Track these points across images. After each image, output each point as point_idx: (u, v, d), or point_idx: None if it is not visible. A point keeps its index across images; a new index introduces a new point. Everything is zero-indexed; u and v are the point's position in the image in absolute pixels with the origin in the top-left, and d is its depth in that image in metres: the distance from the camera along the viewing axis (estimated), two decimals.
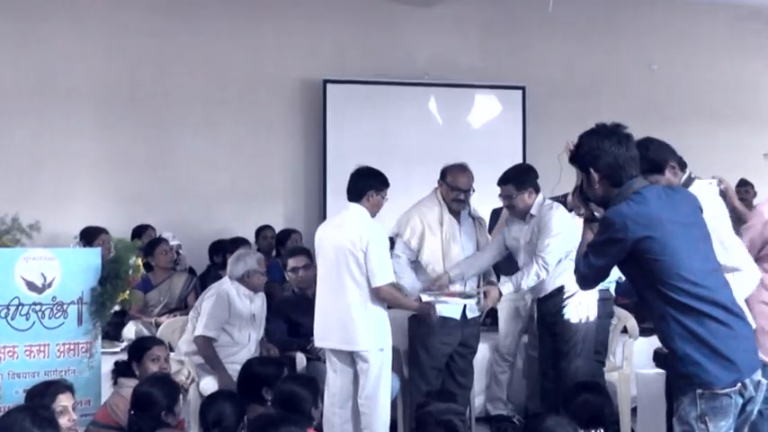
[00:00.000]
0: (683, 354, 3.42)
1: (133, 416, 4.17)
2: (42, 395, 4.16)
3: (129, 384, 4.72)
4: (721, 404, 3.40)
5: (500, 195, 6.07)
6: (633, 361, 6.72)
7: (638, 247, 3.43)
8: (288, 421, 3.40)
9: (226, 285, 6.09)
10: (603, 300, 6.33)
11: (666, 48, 9.71)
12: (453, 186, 5.87)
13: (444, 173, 5.94)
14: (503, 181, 6.03)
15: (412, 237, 5.86)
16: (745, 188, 8.03)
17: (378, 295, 5.42)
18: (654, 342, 6.65)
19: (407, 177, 8.69)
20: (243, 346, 6.04)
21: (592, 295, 5.97)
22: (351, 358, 5.48)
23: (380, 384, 5.44)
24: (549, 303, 5.99)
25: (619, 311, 6.82)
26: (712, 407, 3.39)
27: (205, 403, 4.06)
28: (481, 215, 6.25)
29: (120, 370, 4.92)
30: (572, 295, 5.93)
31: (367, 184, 5.58)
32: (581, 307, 5.96)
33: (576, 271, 3.71)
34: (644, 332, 6.89)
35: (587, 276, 3.68)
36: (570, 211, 4.01)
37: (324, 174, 8.89)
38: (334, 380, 5.53)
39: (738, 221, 4.34)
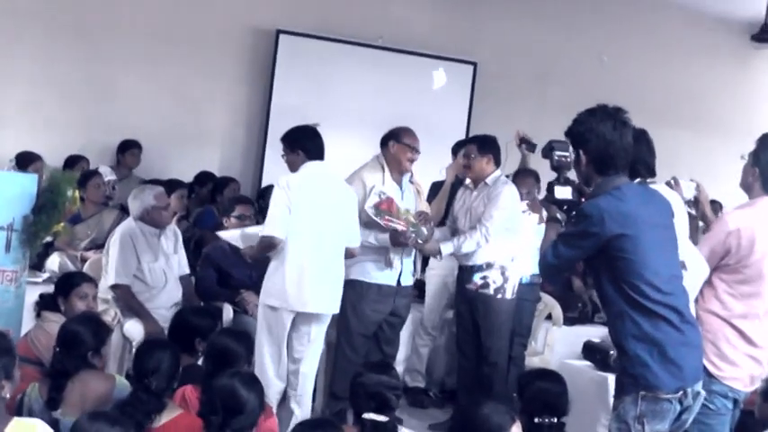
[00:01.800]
0: (633, 354, 3.43)
1: (58, 353, 4.04)
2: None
3: (54, 319, 4.59)
4: (661, 408, 3.43)
5: (463, 155, 6.23)
6: (555, 349, 6.82)
7: (611, 243, 3.41)
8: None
9: (128, 227, 5.89)
10: (532, 284, 6.42)
11: (619, 42, 9.76)
12: (410, 145, 5.88)
13: (397, 134, 5.94)
14: (467, 141, 6.27)
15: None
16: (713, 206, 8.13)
17: (353, 254, 5.45)
18: (577, 332, 6.88)
19: (349, 137, 8.65)
20: (160, 289, 5.89)
21: (515, 272, 6.05)
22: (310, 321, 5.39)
23: None
24: (472, 275, 6.05)
25: (546, 298, 6.90)
26: (652, 409, 3.42)
27: (142, 350, 3.96)
28: (420, 185, 6.26)
29: (45, 303, 4.77)
30: (496, 269, 6.00)
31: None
32: (503, 282, 6.03)
33: (543, 261, 3.66)
34: (567, 321, 7.00)
35: (554, 266, 3.65)
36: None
37: (266, 125, 8.75)
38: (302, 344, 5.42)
39: (708, 230, 4.36)
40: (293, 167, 5.43)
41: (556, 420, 3.80)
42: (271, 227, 5.17)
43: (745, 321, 3.94)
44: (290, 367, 5.37)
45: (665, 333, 3.41)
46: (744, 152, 4.11)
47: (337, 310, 5.47)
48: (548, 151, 3.80)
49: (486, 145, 6.14)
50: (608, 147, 3.47)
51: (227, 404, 3.39)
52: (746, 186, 4.09)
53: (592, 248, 3.47)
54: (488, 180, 6.10)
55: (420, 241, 5.78)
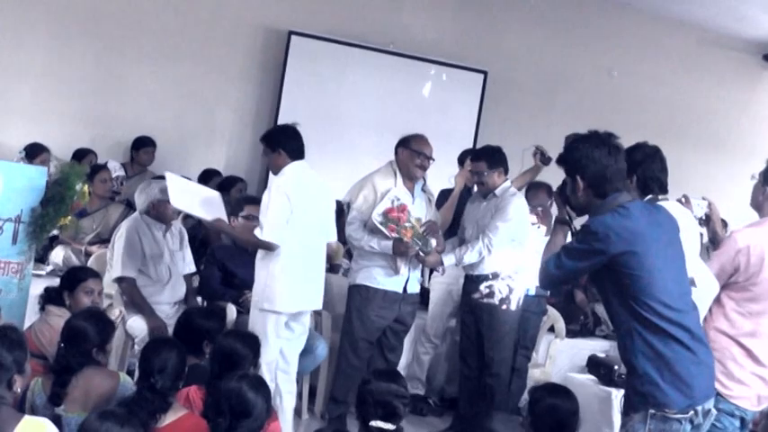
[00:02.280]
0: (643, 372, 3.41)
1: (62, 348, 4.01)
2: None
3: (58, 313, 4.57)
4: (671, 428, 3.40)
5: (470, 171, 6.22)
6: (556, 361, 6.80)
7: (617, 260, 3.40)
8: None
9: (135, 221, 5.91)
10: (538, 296, 6.41)
11: (629, 58, 9.75)
12: (419, 151, 5.87)
13: (407, 140, 5.93)
14: (476, 157, 6.19)
15: (364, 204, 5.82)
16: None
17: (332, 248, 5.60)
18: (578, 345, 6.87)
19: (358, 142, 8.66)
20: (163, 284, 5.90)
21: (521, 284, 6.04)
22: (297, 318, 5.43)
23: None
24: (478, 284, 6.01)
25: (550, 310, 6.88)
26: (662, 429, 3.40)
27: (149, 349, 3.93)
28: (432, 194, 6.24)
29: (49, 297, 4.74)
30: (502, 278, 5.98)
31: None
32: (509, 292, 6.01)
33: (544, 269, 3.64)
34: (569, 334, 6.99)
35: (554, 276, 3.63)
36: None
37: (274, 125, 8.69)
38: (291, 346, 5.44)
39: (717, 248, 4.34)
40: (275, 168, 5.41)
41: None
42: (271, 232, 5.15)
43: (753, 340, 3.93)
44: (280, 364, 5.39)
45: (674, 351, 3.39)
46: (755, 172, 4.10)
47: (320, 306, 5.55)
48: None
49: (495, 159, 6.10)
50: (605, 171, 3.49)
51: (235, 407, 3.37)
52: (756, 205, 4.08)
53: (596, 265, 3.47)
54: (497, 191, 6.08)
55: (422, 254, 5.78)
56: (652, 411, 3.39)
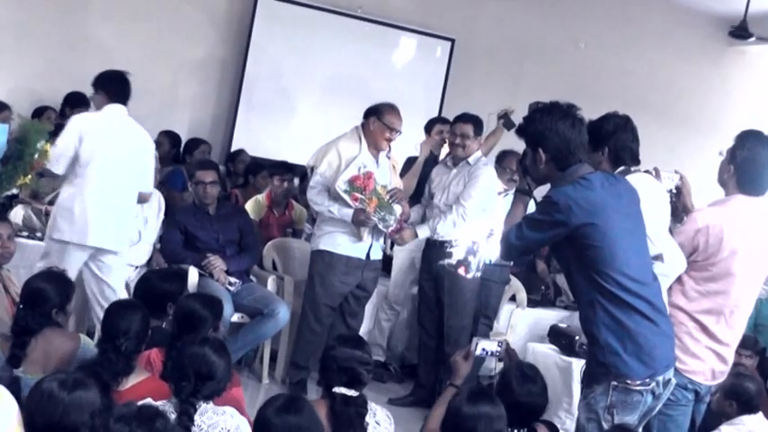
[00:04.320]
0: (604, 343, 3.42)
1: (21, 310, 3.96)
2: None
3: None
4: (632, 399, 3.43)
5: (455, 133, 6.15)
6: (516, 330, 6.84)
7: (579, 231, 3.39)
8: None
9: None
10: (501, 266, 6.41)
11: (597, 30, 9.74)
12: (390, 126, 5.86)
13: (380, 112, 5.89)
14: (464, 119, 6.17)
15: (328, 170, 5.79)
16: None
17: (145, 199, 5.68)
18: (539, 315, 6.91)
19: (324, 106, 8.60)
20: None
21: (485, 251, 6.03)
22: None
23: None
24: (440, 251, 5.99)
25: (512, 280, 6.90)
26: (623, 400, 3.42)
27: (113, 311, 3.88)
28: (396, 161, 6.23)
29: None
30: (470, 248, 5.98)
31: None
32: (466, 258, 6.01)
33: (505, 240, 3.62)
34: (530, 303, 7.02)
35: (515, 247, 3.60)
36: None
37: (239, 89, 8.64)
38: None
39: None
40: (97, 108, 5.50)
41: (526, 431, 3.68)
42: (55, 162, 5.15)
43: (708, 317, 3.95)
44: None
45: (636, 322, 3.41)
46: (722, 148, 4.09)
47: (123, 250, 5.47)
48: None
49: (479, 125, 6.14)
50: (569, 144, 3.46)
51: (199, 371, 3.33)
52: (722, 182, 4.08)
53: (557, 236, 3.46)
54: (471, 160, 6.08)
55: (384, 229, 5.79)
56: (614, 383, 3.41)
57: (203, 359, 3.36)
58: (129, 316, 3.79)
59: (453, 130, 6.21)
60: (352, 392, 3.55)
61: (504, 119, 6.71)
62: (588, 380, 3.54)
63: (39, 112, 7.36)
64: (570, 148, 3.46)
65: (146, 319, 3.87)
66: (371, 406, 3.63)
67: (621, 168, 3.93)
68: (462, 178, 6.04)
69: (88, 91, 7.89)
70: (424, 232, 6.01)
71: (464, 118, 6.19)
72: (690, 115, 10.00)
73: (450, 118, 8.43)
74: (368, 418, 3.56)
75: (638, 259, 3.49)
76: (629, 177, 3.84)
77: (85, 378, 3.01)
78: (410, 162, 6.75)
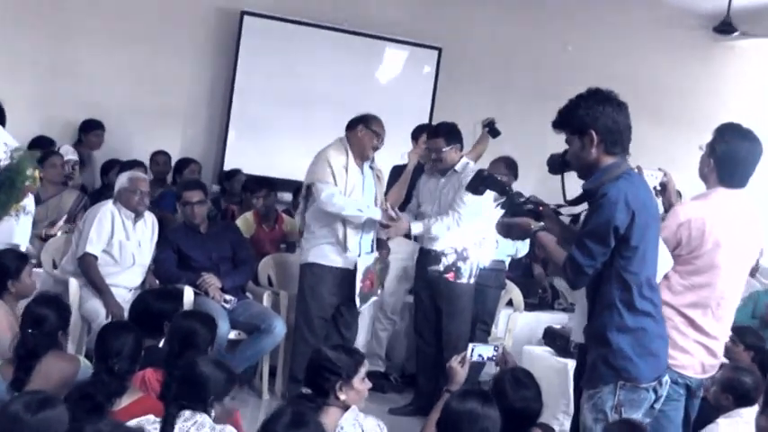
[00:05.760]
0: (616, 347, 3.43)
1: (27, 334, 4.01)
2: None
3: None
4: (639, 397, 3.46)
5: (427, 147, 6.20)
6: (515, 334, 6.86)
7: (626, 230, 3.36)
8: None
9: (108, 205, 5.98)
10: (497, 270, 6.46)
11: (583, 31, 9.75)
12: (379, 133, 5.95)
13: (367, 121, 5.97)
14: (433, 134, 6.18)
15: (328, 176, 5.85)
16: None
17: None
18: (537, 318, 6.92)
19: (314, 121, 8.61)
20: (126, 268, 5.94)
21: (474, 257, 6.07)
22: None
23: None
24: (433, 259, 6.05)
25: (508, 284, 6.92)
26: (630, 399, 3.45)
27: (105, 332, 3.92)
28: (381, 171, 6.29)
29: None
30: (460, 254, 6.02)
31: None
32: (457, 264, 6.05)
33: (572, 267, 3.43)
34: (528, 307, 7.05)
35: (589, 267, 3.41)
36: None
37: (229, 106, 8.68)
38: None
39: None
40: None
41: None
42: None
43: (695, 310, 3.95)
44: None
45: (646, 326, 3.44)
46: (702, 143, 4.11)
47: None
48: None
49: (452, 135, 6.12)
50: (618, 124, 3.44)
51: (191, 377, 3.39)
52: (703, 177, 4.09)
53: (615, 238, 3.36)
54: (458, 167, 6.10)
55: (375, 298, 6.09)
56: (621, 383, 3.43)
57: (196, 367, 3.41)
58: (122, 337, 3.83)
59: (428, 146, 6.24)
60: (308, 391, 3.59)
61: (489, 127, 6.75)
62: (593, 380, 3.52)
63: (37, 144, 7.31)
64: (619, 128, 3.44)
65: (138, 339, 3.90)
66: (357, 416, 3.63)
67: None
68: (452, 186, 6.07)
69: (81, 114, 8.13)
70: (417, 227, 6.05)
71: (433, 132, 6.20)
72: (681, 112, 10.00)
73: None
74: (351, 429, 3.57)
75: (655, 263, 3.52)
76: None
77: (52, 398, 2.98)
78: (396, 170, 6.77)
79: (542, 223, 3.65)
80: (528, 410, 3.72)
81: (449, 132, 6.12)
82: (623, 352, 3.42)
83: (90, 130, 8.11)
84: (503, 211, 5.42)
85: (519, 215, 3.70)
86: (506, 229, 3.76)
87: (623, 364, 3.42)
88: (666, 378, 3.57)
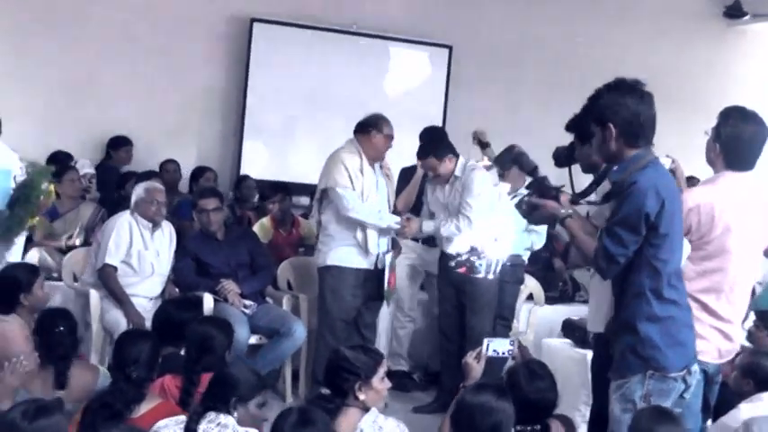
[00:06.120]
0: (645, 336, 3.43)
1: (60, 333, 4.10)
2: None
3: (7, 319, 4.52)
4: (667, 386, 3.46)
5: (423, 167, 6.27)
6: (536, 328, 6.85)
7: (657, 217, 3.36)
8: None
9: (124, 216, 6.05)
10: (514, 265, 6.46)
11: (593, 22, 9.73)
12: (391, 136, 6.02)
13: (378, 124, 6.01)
14: (422, 155, 6.22)
15: (344, 180, 5.89)
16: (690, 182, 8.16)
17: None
18: (558, 311, 6.91)
19: (328, 124, 8.63)
20: (144, 278, 6.00)
21: (493, 253, 6.08)
22: None
23: None
24: (456, 257, 6.04)
25: (527, 278, 6.92)
26: (659, 388, 3.45)
27: (122, 340, 3.97)
28: (390, 169, 6.32)
29: None
30: (477, 251, 6.03)
31: None
32: (483, 262, 6.06)
33: (603, 256, 3.41)
34: (548, 301, 7.04)
35: (620, 255, 3.39)
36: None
37: (242, 113, 8.72)
38: None
39: None
40: None
41: (539, 427, 3.67)
42: None
43: (708, 295, 3.92)
44: None
45: (674, 315, 3.45)
46: (707, 128, 4.10)
47: None
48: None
49: (439, 148, 6.16)
50: (638, 117, 3.41)
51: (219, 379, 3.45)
52: (710, 162, 4.07)
53: (646, 226, 3.35)
54: (457, 172, 6.14)
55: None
56: (650, 372, 3.43)
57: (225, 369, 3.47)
58: (138, 345, 3.88)
59: (422, 167, 6.28)
60: (327, 392, 3.61)
61: (479, 142, 6.85)
62: (622, 371, 3.51)
63: (55, 160, 7.37)
64: (640, 121, 3.41)
65: (155, 346, 3.95)
66: (376, 418, 3.63)
67: None
68: (456, 191, 6.12)
69: (98, 130, 8.20)
70: (427, 226, 6.11)
71: (421, 154, 6.22)
72: (694, 98, 9.94)
73: (454, 125, 8.57)
74: (369, 429, 3.58)
75: (681, 252, 3.53)
76: None
77: (49, 406, 3.00)
78: (406, 173, 6.79)
79: (570, 211, 3.62)
80: (543, 401, 3.71)
81: (436, 148, 6.17)
82: (652, 341, 3.41)
83: (119, 147, 8.21)
84: (512, 206, 5.48)
85: (546, 198, 3.68)
86: (530, 209, 3.71)
87: (652, 354, 3.42)
88: (695, 367, 3.56)
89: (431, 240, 6.56)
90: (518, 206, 3.78)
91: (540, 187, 3.72)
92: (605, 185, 3.84)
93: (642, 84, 3.47)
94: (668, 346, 3.42)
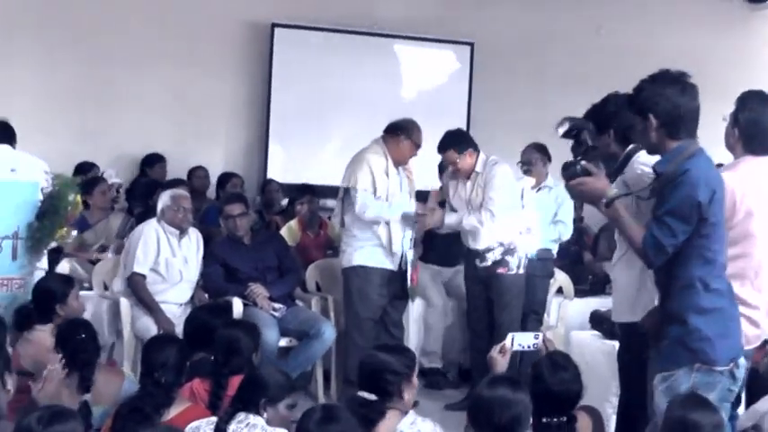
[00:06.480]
0: (694, 328, 3.40)
1: (77, 362, 4.08)
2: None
3: (44, 329, 4.60)
4: (713, 380, 3.43)
5: (443, 162, 6.33)
6: (567, 322, 6.83)
7: (708, 207, 3.36)
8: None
9: (151, 224, 6.10)
10: (544, 260, 6.47)
11: (615, 13, 9.67)
12: (419, 144, 6.09)
13: (409, 130, 6.06)
14: (442, 148, 6.22)
15: (366, 183, 5.93)
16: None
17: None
18: (589, 304, 6.88)
19: (352, 126, 8.67)
20: (173, 285, 6.05)
21: (523, 247, 6.10)
22: None
23: None
24: (481, 254, 6.10)
25: (556, 272, 6.90)
26: (705, 382, 3.41)
27: (150, 345, 4.02)
28: (411, 171, 6.34)
29: (29, 316, 4.72)
30: (506, 247, 6.04)
31: None
32: (514, 258, 6.08)
33: (652, 245, 3.40)
34: (578, 294, 7.01)
35: (670, 246, 3.39)
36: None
37: (267, 118, 8.77)
38: None
39: None
40: None
41: (565, 419, 3.61)
42: None
43: (733, 282, 3.84)
44: None
45: (722, 306, 3.44)
46: (725, 113, 4.08)
47: None
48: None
49: (460, 142, 6.17)
50: (678, 108, 3.44)
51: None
52: (730, 147, 4.06)
53: (698, 215, 3.36)
54: (478, 168, 6.15)
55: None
56: (698, 365, 3.40)
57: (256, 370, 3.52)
58: (166, 349, 3.92)
59: (442, 160, 6.34)
60: (371, 397, 3.60)
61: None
62: (668, 363, 3.48)
63: (81, 170, 7.50)
64: (680, 113, 3.44)
65: (183, 350, 3.98)
66: (414, 420, 3.62)
67: (631, 147, 3.93)
68: (478, 187, 6.12)
69: (124, 140, 8.29)
70: (450, 218, 6.13)
71: (441, 147, 6.22)
72: (720, 85, 9.72)
73: (479, 122, 8.58)
74: (408, 431, 3.57)
75: (726, 242, 3.52)
76: (641, 155, 3.85)
77: (65, 411, 3.00)
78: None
79: (620, 192, 3.59)
80: (568, 393, 3.68)
81: (456, 142, 6.17)
82: (701, 332, 3.39)
83: (154, 163, 8.30)
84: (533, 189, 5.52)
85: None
86: (579, 186, 3.65)
87: (701, 346, 3.39)
88: (742, 360, 3.52)
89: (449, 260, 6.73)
90: (567, 169, 3.72)
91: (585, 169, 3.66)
92: (626, 176, 3.85)
93: (686, 76, 3.51)
94: (717, 337, 3.40)
